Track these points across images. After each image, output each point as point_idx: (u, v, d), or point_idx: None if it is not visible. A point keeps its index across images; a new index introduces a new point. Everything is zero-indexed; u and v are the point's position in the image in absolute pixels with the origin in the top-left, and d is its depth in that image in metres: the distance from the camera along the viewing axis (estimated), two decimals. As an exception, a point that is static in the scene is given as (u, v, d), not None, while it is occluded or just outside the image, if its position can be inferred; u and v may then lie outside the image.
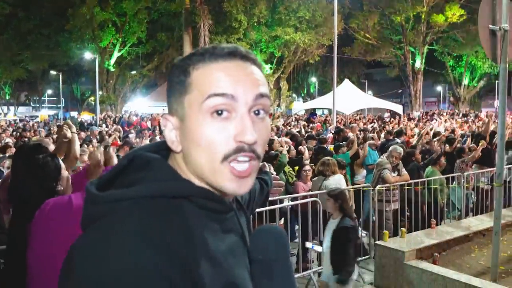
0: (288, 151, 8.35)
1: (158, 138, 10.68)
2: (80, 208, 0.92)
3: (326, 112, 33.44)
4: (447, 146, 9.53)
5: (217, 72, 0.88)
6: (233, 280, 0.88)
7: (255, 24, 29.30)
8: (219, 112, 0.87)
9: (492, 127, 10.12)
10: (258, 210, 5.29)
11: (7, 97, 48.87)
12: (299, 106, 38.33)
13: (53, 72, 40.40)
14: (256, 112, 0.90)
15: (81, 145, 8.44)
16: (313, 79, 50.88)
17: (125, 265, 0.75)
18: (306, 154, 8.20)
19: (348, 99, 24.54)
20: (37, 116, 41.68)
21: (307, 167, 7.09)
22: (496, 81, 29.92)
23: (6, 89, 46.78)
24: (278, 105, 34.32)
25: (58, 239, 1.94)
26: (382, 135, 12.19)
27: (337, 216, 4.60)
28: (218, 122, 0.87)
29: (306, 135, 11.79)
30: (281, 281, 0.94)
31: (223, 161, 0.87)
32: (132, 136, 11.69)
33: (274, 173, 6.60)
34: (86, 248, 0.80)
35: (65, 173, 2.63)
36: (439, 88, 49.56)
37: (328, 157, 7.01)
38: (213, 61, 0.89)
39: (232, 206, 0.98)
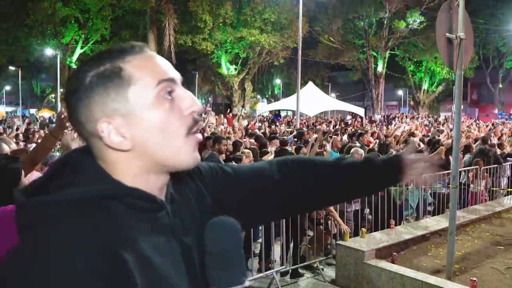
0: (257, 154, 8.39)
1: None
2: None
3: (290, 113, 33.68)
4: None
5: (150, 61, 0.93)
6: (163, 279, 0.89)
7: (221, 24, 29.17)
8: (168, 94, 0.92)
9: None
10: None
11: (-38, 93, 47.07)
12: (264, 108, 38.49)
13: (11, 68, 39.13)
14: None
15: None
16: (278, 81, 51.20)
17: (58, 276, 0.74)
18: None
19: (312, 101, 24.80)
20: (-7, 113, 40.19)
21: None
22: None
23: (-39, 84, 45.05)
24: (243, 106, 34.30)
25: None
26: (345, 137, 12.40)
27: None
28: (170, 103, 0.92)
29: (270, 135, 11.88)
30: (235, 272, 0.96)
31: (188, 134, 0.93)
32: None
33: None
34: (15, 260, 0.77)
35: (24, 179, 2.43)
36: (400, 92, 50.74)
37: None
38: (138, 53, 0.92)
39: (164, 204, 0.97)
